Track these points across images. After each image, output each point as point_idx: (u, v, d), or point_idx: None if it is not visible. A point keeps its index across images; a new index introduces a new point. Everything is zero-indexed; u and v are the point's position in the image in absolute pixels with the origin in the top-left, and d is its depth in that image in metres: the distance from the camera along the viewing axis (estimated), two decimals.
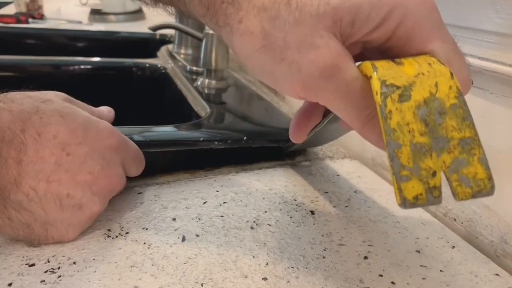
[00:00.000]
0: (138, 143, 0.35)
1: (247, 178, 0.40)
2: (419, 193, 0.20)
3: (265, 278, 0.27)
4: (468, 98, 0.35)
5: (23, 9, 1.27)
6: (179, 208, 0.34)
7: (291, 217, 0.34)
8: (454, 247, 0.32)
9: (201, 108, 0.53)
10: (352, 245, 0.31)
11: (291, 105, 0.62)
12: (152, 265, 0.27)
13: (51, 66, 0.72)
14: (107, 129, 0.31)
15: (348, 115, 0.22)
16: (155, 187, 0.37)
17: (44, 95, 0.30)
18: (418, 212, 0.37)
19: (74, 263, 0.27)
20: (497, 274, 0.29)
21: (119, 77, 0.76)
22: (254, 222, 0.33)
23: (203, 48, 0.59)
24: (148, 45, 0.99)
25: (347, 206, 0.36)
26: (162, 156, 0.39)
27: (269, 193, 0.38)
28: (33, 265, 0.26)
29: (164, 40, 0.96)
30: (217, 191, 0.37)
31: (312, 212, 0.35)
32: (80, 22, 1.21)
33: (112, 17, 1.29)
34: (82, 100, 0.34)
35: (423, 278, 0.28)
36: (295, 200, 0.37)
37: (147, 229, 0.31)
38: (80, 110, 0.31)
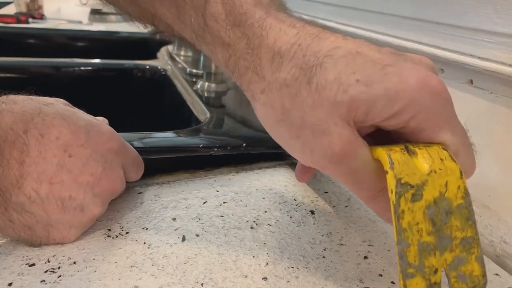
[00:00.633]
0: (138, 149, 0.35)
1: (247, 178, 0.40)
2: None
3: (265, 278, 0.27)
4: (468, 98, 0.36)
5: (23, 9, 1.27)
6: (179, 208, 0.34)
7: (291, 217, 0.34)
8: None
9: (201, 112, 0.53)
10: (352, 245, 0.31)
11: None
12: (152, 265, 0.27)
13: (51, 67, 0.72)
14: (108, 132, 0.31)
15: (355, 192, 0.24)
16: (155, 187, 0.37)
17: (45, 99, 0.30)
18: None
19: (74, 263, 0.27)
20: (497, 274, 0.29)
21: (119, 79, 0.76)
22: (254, 222, 0.33)
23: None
24: (148, 45, 0.99)
25: (347, 206, 0.36)
26: (161, 161, 0.39)
27: (269, 193, 0.38)
28: (33, 265, 0.26)
29: (164, 41, 0.97)
30: (217, 191, 0.37)
31: (312, 212, 0.35)
32: (80, 22, 1.21)
33: (112, 17, 1.29)
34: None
35: None
36: (295, 200, 0.37)
37: (147, 229, 0.31)
38: (82, 113, 0.31)
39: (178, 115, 0.63)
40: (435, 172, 0.21)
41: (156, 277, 0.26)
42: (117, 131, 0.33)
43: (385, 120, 0.22)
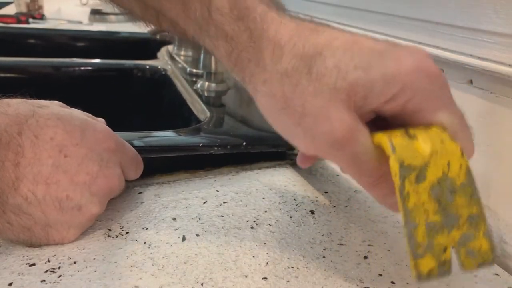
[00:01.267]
0: (138, 148, 0.35)
1: (247, 178, 0.40)
2: (432, 268, 0.22)
3: (265, 278, 0.27)
4: (468, 98, 0.36)
5: (24, 9, 1.27)
6: (179, 208, 0.34)
7: (291, 217, 0.34)
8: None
9: (201, 111, 0.53)
10: (352, 245, 0.31)
11: None
12: (153, 265, 0.27)
13: (51, 67, 0.72)
14: (104, 131, 0.31)
15: (356, 178, 0.25)
16: (155, 187, 0.37)
17: (40, 101, 0.30)
18: None
19: (75, 262, 0.27)
20: (496, 274, 0.29)
21: (119, 79, 0.76)
22: (254, 221, 0.33)
23: (203, 50, 0.59)
24: (148, 45, 0.99)
25: (347, 206, 0.36)
26: (161, 161, 0.39)
27: (269, 193, 0.38)
28: (33, 264, 0.26)
29: (164, 41, 0.97)
30: (217, 191, 0.37)
31: (312, 212, 0.35)
32: (80, 22, 1.21)
33: (112, 17, 1.29)
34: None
35: None
36: (295, 200, 0.37)
37: (147, 228, 0.31)
38: (76, 113, 0.31)
39: (178, 115, 0.63)
40: (437, 153, 0.22)
41: (156, 277, 0.26)
42: (117, 131, 0.33)
43: (384, 103, 0.22)
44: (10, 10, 1.32)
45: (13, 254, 0.27)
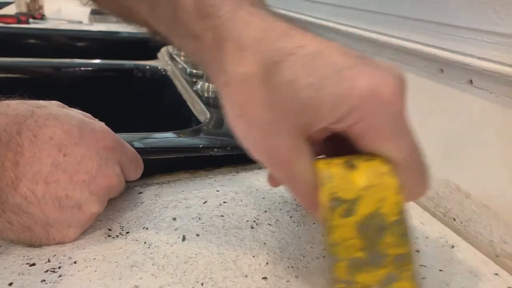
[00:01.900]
0: (138, 149, 0.35)
1: (247, 178, 0.40)
2: None
3: (265, 278, 0.27)
4: (468, 98, 0.36)
5: (24, 9, 1.27)
6: (179, 208, 0.34)
7: (291, 217, 0.34)
8: (453, 246, 0.32)
9: (201, 112, 0.53)
10: None
11: None
12: (153, 265, 0.27)
13: (52, 68, 0.72)
14: (102, 130, 0.31)
15: (296, 198, 0.25)
16: (156, 186, 0.37)
17: (38, 102, 0.30)
18: (417, 212, 0.37)
19: (75, 262, 0.27)
20: (496, 274, 0.29)
21: (119, 79, 0.76)
22: (254, 221, 0.33)
23: None
24: (148, 45, 0.99)
25: None
26: (161, 162, 0.40)
27: (269, 192, 0.38)
28: (33, 264, 0.26)
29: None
30: (217, 190, 0.37)
31: None
32: (80, 22, 1.21)
33: (112, 17, 1.29)
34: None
35: (423, 278, 0.28)
36: (295, 200, 0.37)
37: (147, 228, 0.31)
38: (74, 113, 0.31)
39: (178, 116, 0.63)
40: (373, 187, 0.21)
41: (156, 277, 0.26)
42: (117, 131, 0.33)
43: (331, 124, 0.21)
44: (10, 10, 1.32)
45: (13, 254, 0.27)
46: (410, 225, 0.21)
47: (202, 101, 0.56)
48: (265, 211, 0.35)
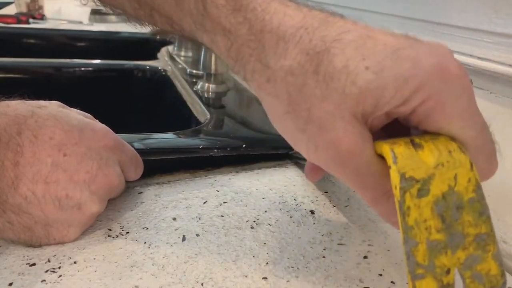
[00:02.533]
0: (138, 150, 0.35)
1: (247, 178, 0.40)
2: None
3: (265, 278, 0.27)
4: None
5: (24, 9, 1.28)
6: (179, 208, 0.34)
7: (291, 217, 0.34)
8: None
9: (201, 113, 0.53)
10: (352, 245, 0.31)
11: None
12: (153, 265, 0.27)
13: (52, 68, 0.72)
14: (102, 130, 0.31)
15: (359, 192, 0.23)
16: (156, 186, 0.37)
17: (38, 102, 0.30)
18: None
19: (75, 262, 0.27)
20: None
21: (119, 79, 0.76)
22: (254, 221, 0.33)
23: (203, 51, 0.59)
24: (148, 46, 0.99)
25: (346, 206, 0.36)
26: (161, 162, 0.40)
27: (269, 193, 0.38)
28: (33, 264, 0.26)
29: (165, 41, 0.97)
30: (217, 191, 0.37)
31: (312, 212, 0.35)
32: (80, 22, 1.21)
33: (112, 17, 1.29)
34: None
35: None
36: (295, 200, 0.37)
37: (147, 228, 0.31)
38: (74, 113, 0.31)
39: (178, 116, 0.63)
40: (443, 165, 0.20)
41: (156, 277, 0.26)
42: (117, 132, 0.33)
43: (394, 109, 0.20)
44: (10, 10, 1.32)
45: (13, 254, 0.27)
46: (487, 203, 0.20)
47: (202, 101, 0.56)
48: (265, 211, 0.35)
